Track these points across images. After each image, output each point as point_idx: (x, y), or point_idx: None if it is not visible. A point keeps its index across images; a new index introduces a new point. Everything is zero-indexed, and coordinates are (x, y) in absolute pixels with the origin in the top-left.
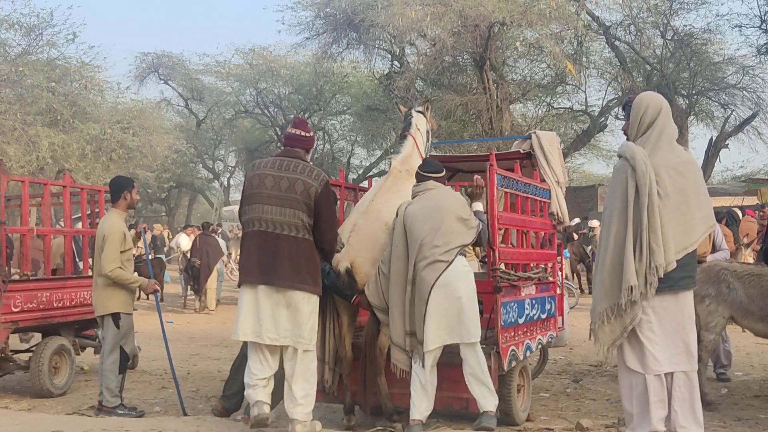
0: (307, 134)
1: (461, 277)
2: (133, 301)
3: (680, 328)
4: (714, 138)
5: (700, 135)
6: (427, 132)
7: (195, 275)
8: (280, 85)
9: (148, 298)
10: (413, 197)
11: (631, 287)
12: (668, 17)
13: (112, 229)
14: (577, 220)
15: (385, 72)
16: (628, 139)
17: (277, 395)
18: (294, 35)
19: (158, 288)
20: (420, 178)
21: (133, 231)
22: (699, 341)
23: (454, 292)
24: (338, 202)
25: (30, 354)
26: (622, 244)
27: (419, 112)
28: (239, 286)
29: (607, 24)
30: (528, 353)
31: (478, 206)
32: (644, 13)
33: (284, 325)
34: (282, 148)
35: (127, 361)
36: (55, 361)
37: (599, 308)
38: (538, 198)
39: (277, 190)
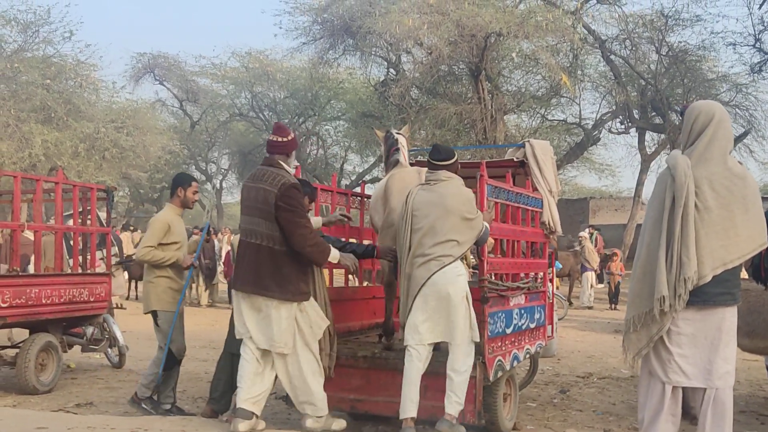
0: (284, 138)
1: (450, 282)
2: (176, 299)
3: (714, 343)
4: None
5: None
6: (408, 151)
7: (210, 274)
8: (276, 89)
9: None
10: (424, 184)
11: (663, 297)
12: (663, 33)
13: (155, 219)
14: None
15: (381, 79)
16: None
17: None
18: (291, 40)
19: (195, 264)
20: (432, 166)
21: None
22: None
23: (440, 292)
24: (313, 204)
25: (16, 350)
26: (654, 253)
27: (399, 134)
28: None
29: (602, 38)
30: (515, 363)
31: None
32: (640, 29)
33: (262, 329)
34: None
35: (174, 360)
36: (41, 358)
37: (628, 315)
38: (530, 207)
39: (251, 201)
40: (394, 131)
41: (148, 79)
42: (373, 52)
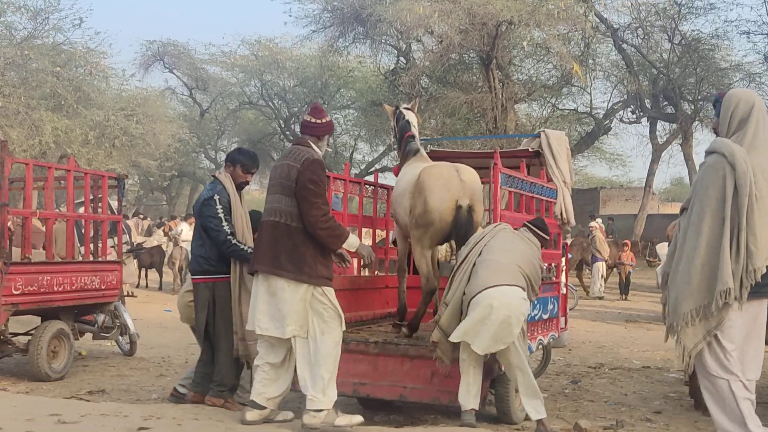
0: (318, 120)
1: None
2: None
3: (752, 335)
4: None
5: (705, 141)
6: (415, 128)
7: None
8: (285, 78)
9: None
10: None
11: (729, 290)
12: (676, 21)
13: None
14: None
15: (391, 68)
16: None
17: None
18: (300, 28)
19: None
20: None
21: (135, 219)
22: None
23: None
24: (249, 176)
25: (29, 337)
26: (716, 244)
27: (408, 109)
28: None
29: (615, 26)
30: (528, 354)
31: None
32: (652, 17)
33: (272, 314)
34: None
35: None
36: (53, 345)
37: (683, 309)
38: (544, 197)
39: (276, 179)
40: (403, 107)
41: (157, 67)
42: (383, 41)
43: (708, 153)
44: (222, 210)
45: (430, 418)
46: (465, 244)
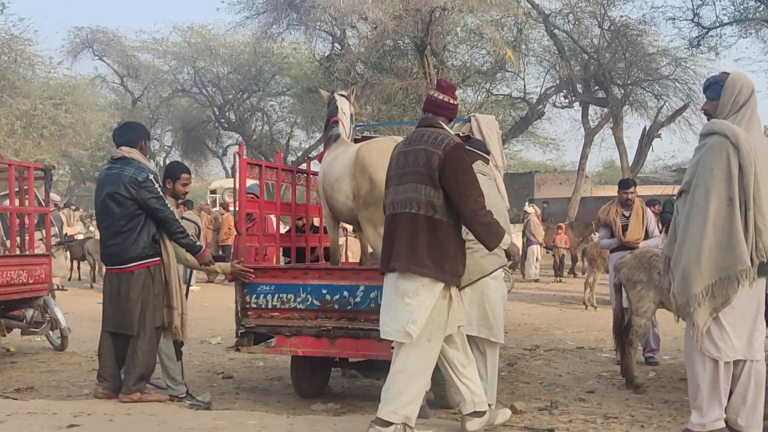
0: (453, 101)
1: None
2: None
3: (758, 314)
4: (647, 128)
5: (634, 124)
6: (352, 116)
7: None
8: (219, 65)
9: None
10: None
11: (748, 269)
12: (605, 7)
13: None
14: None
15: (326, 54)
16: (709, 119)
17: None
18: (233, 14)
19: None
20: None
21: (66, 210)
22: (630, 325)
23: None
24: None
25: None
26: (725, 224)
27: (342, 95)
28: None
29: (546, 12)
30: None
31: None
32: (582, 3)
33: (399, 315)
34: (423, 114)
35: (181, 346)
36: None
37: (695, 290)
38: None
39: (407, 166)
40: (337, 94)
41: (86, 54)
42: (317, 27)
43: (706, 135)
44: (160, 189)
45: (368, 405)
46: None
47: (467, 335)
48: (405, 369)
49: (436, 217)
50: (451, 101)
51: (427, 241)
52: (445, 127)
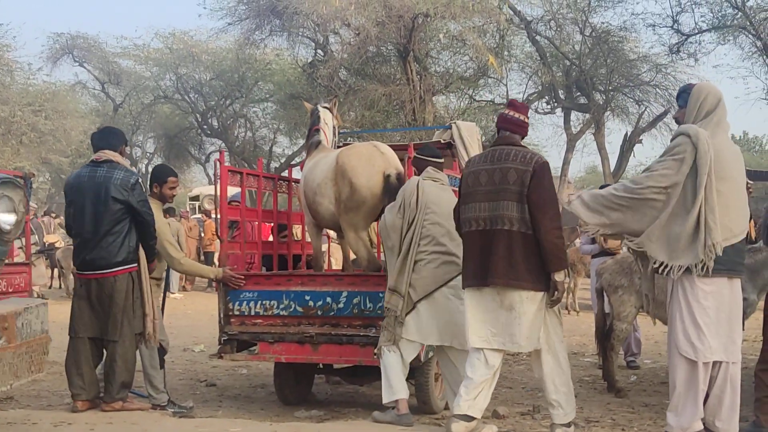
0: (527, 120)
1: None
2: (157, 292)
3: (733, 316)
4: (629, 133)
5: (616, 130)
6: (334, 127)
7: None
8: (201, 71)
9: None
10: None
11: (704, 260)
12: (587, 14)
13: (159, 223)
14: None
15: (309, 60)
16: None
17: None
18: (216, 20)
19: None
20: (421, 163)
21: (47, 217)
22: (611, 330)
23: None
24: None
25: None
26: (680, 219)
27: (325, 107)
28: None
29: (528, 18)
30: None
31: None
32: (564, 9)
33: (506, 328)
34: (497, 132)
35: (163, 354)
36: None
37: (676, 263)
38: (457, 188)
39: (491, 185)
40: (320, 106)
41: (66, 60)
42: (300, 33)
43: (674, 137)
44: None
45: (351, 411)
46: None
47: (435, 346)
48: (552, 371)
49: (528, 232)
50: (525, 120)
51: (524, 256)
52: (520, 144)
